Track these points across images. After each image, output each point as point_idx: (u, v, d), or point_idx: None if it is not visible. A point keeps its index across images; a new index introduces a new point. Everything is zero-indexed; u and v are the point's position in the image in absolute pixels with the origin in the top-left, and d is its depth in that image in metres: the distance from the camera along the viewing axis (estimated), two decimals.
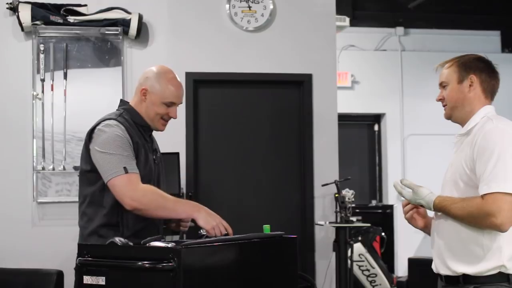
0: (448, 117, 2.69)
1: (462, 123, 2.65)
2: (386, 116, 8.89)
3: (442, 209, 2.52)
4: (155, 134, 3.18)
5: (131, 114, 2.91)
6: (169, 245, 2.37)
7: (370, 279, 6.64)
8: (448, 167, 2.68)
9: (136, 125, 2.89)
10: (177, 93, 2.92)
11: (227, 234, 2.72)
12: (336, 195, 5.25)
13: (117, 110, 2.95)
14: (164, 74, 2.93)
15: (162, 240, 2.57)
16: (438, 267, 2.59)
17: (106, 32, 5.09)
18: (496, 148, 2.40)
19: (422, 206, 2.62)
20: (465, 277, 2.46)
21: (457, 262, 2.49)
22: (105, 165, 2.72)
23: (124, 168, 2.68)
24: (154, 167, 2.92)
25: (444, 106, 2.68)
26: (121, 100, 3.02)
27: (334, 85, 5.58)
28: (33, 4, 4.96)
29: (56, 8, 5.03)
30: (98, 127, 2.79)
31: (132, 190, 2.68)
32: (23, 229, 4.96)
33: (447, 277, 2.54)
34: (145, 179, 2.78)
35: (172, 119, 2.98)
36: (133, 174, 2.69)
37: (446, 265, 2.53)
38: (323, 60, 5.52)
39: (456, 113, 2.65)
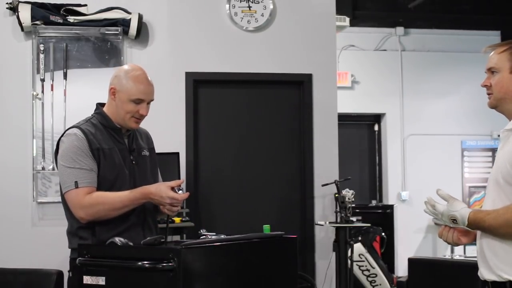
0: (493, 107, 2.46)
1: (509, 116, 2.43)
2: (386, 116, 8.89)
3: (477, 222, 2.30)
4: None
5: (100, 117, 2.92)
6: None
7: (370, 279, 6.64)
8: (494, 164, 2.43)
9: (106, 128, 2.91)
10: (145, 90, 2.88)
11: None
12: (336, 195, 5.24)
13: (91, 114, 2.98)
14: (131, 71, 2.91)
15: (161, 240, 2.57)
16: (483, 273, 2.39)
17: (106, 32, 5.09)
18: None
19: (455, 221, 2.36)
20: None
21: (502, 268, 2.31)
22: (61, 177, 2.85)
23: (75, 182, 2.76)
24: (131, 167, 2.91)
25: (488, 94, 2.45)
26: (97, 104, 3.01)
27: (334, 85, 5.57)
28: (33, 4, 4.96)
29: (56, 8, 5.02)
30: (61, 137, 2.88)
31: (79, 204, 2.77)
32: (23, 229, 4.96)
33: (494, 283, 2.34)
34: (110, 183, 2.82)
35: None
36: (81, 188, 2.76)
37: (492, 270, 2.34)
38: (323, 60, 5.51)
39: (504, 105, 2.42)
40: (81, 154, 2.78)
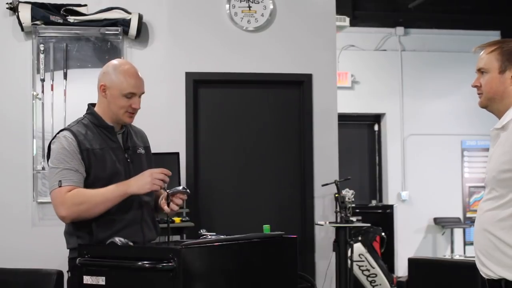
0: (483, 106, 2.49)
1: (499, 115, 2.44)
2: (386, 116, 8.90)
3: None
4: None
5: (92, 117, 2.89)
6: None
7: (370, 279, 6.64)
8: (487, 163, 2.44)
9: (98, 127, 2.88)
10: (135, 83, 2.85)
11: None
12: (336, 195, 5.24)
13: (83, 115, 2.95)
14: (119, 66, 2.89)
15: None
16: (480, 269, 2.40)
17: (106, 32, 5.09)
18: None
19: None
20: (507, 283, 2.28)
21: (495, 266, 2.31)
22: (48, 178, 2.84)
23: (59, 181, 2.73)
24: (126, 165, 2.88)
25: (479, 94, 2.47)
26: (88, 104, 2.98)
27: (334, 85, 5.58)
28: (33, 4, 4.96)
29: (56, 8, 5.02)
30: (52, 140, 2.86)
31: (60, 203, 2.74)
32: (23, 229, 4.96)
33: (489, 281, 2.36)
34: (104, 182, 2.79)
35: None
36: (64, 187, 2.72)
37: (486, 266, 2.35)
38: (323, 60, 5.51)
39: (494, 105, 2.44)
40: (67, 155, 2.76)
